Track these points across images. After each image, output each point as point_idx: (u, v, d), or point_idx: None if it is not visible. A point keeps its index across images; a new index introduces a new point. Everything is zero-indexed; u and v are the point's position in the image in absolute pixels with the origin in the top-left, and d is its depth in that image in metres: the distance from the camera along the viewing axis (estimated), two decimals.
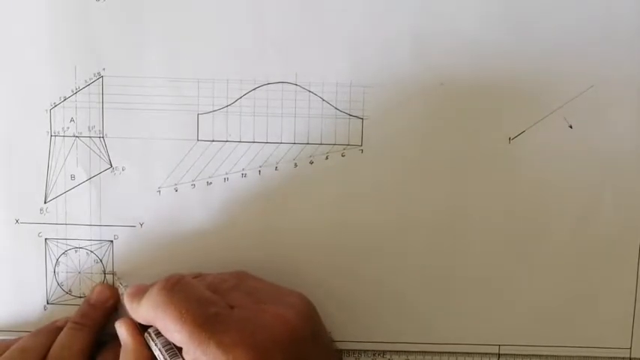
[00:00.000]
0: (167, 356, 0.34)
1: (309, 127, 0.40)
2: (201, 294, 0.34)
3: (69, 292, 0.41)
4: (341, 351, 0.41)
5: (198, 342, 0.32)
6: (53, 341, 0.38)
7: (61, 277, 0.41)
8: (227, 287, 0.36)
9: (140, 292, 0.35)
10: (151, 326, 0.35)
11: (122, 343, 0.36)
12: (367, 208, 0.40)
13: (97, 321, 0.39)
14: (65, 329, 0.39)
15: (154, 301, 0.34)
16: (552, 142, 0.40)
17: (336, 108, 0.40)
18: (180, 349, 0.33)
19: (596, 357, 0.41)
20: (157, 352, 0.34)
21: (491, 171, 0.40)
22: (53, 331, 0.39)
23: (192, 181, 0.40)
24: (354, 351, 0.41)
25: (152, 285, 0.35)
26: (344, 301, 0.40)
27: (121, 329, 0.36)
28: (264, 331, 0.33)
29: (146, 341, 0.35)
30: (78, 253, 0.41)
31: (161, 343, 0.34)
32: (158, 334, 0.34)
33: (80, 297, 0.41)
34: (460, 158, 0.40)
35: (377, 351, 0.41)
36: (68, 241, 0.41)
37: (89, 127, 0.40)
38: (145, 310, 0.34)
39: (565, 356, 0.41)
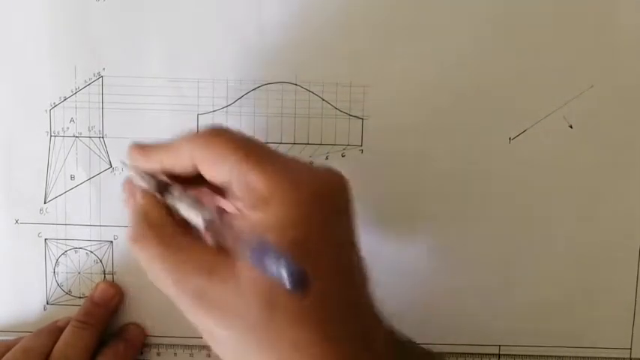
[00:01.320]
0: (196, 206, 0.30)
1: (309, 127, 0.40)
2: (249, 137, 0.31)
3: (69, 293, 0.41)
4: None
5: (246, 167, 0.29)
6: (55, 341, 0.38)
7: (61, 277, 0.41)
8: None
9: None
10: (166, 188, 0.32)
11: (136, 208, 0.33)
12: (367, 208, 0.40)
13: (100, 320, 0.39)
14: (69, 328, 0.39)
15: (200, 136, 0.31)
16: (552, 142, 0.40)
17: (336, 108, 0.40)
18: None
19: (596, 357, 0.41)
20: (183, 210, 0.31)
21: (491, 171, 0.40)
22: (55, 331, 0.39)
23: None
24: None
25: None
26: None
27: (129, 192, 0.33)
28: (305, 174, 0.30)
29: (175, 205, 0.31)
30: (78, 253, 0.41)
31: (187, 203, 0.31)
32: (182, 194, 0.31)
33: (80, 297, 0.41)
34: (460, 158, 0.40)
35: None
36: (68, 242, 0.41)
37: (89, 127, 0.40)
38: (188, 144, 0.31)
39: (565, 356, 0.41)
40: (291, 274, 0.26)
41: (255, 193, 0.29)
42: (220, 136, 0.30)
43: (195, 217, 0.30)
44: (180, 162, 0.31)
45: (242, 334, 0.28)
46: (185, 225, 0.31)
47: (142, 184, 0.32)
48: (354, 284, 0.30)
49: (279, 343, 0.28)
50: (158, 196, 0.32)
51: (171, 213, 0.31)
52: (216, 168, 0.30)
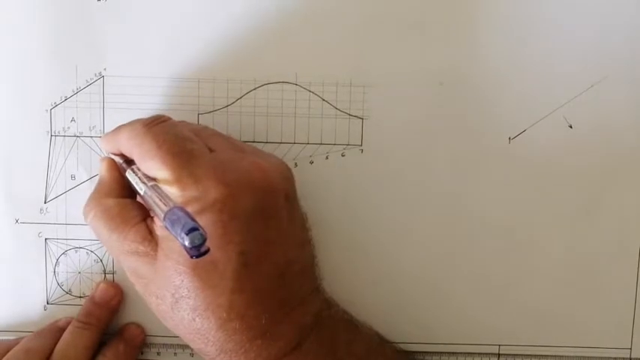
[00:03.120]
0: (147, 182, 0.34)
1: (309, 127, 0.40)
2: (181, 132, 0.34)
3: (69, 292, 0.41)
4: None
5: (171, 169, 0.32)
6: (56, 342, 0.38)
7: (61, 277, 0.41)
8: (210, 133, 0.37)
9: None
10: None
11: (99, 177, 0.38)
12: (367, 208, 0.40)
13: (101, 320, 0.39)
14: (70, 328, 0.39)
15: (134, 130, 0.34)
16: (552, 142, 0.40)
17: (336, 108, 0.40)
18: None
19: (596, 357, 0.41)
20: (134, 184, 0.35)
21: (491, 171, 0.40)
22: (55, 331, 0.39)
23: None
24: None
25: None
26: (342, 301, 0.40)
27: (102, 164, 0.37)
28: (238, 172, 0.33)
29: (128, 177, 0.35)
30: (78, 253, 0.41)
31: (142, 173, 0.35)
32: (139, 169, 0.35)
33: (80, 297, 0.41)
34: (460, 158, 0.40)
35: None
36: (68, 241, 0.41)
37: (90, 127, 0.40)
38: (124, 138, 0.35)
39: (565, 356, 0.41)
40: (190, 239, 0.29)
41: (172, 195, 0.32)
42: (148, 133, 0.34)
43: (139, 190, 0.34)
44: (123, 151, 0.36)
45: (160, 312, 0.34)
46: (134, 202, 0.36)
47: (117, 159, 0.37)
48: (272, 261, 0.33)
49: (181, 330, 0.34)
50: (124, 166, 0.36)
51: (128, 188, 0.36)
52: (143, 165, 0.34)
